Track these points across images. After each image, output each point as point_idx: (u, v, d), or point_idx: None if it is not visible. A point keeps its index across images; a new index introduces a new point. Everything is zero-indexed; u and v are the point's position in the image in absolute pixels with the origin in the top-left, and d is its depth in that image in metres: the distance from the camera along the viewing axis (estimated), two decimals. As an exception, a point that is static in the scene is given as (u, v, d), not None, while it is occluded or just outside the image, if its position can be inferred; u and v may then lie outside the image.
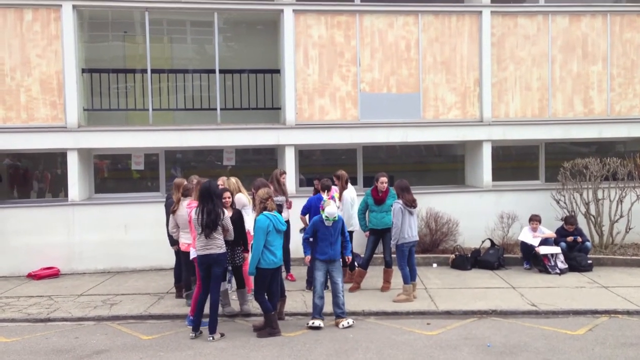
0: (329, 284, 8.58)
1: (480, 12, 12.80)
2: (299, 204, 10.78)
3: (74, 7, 11.70)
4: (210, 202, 7.70)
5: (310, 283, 9.94)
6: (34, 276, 11.30)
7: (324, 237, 8.22)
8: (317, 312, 8.22)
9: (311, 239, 8.33)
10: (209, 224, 7.65)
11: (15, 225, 11.55)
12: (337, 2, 12.64)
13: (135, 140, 12.14)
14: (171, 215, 8.96)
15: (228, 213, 8.17)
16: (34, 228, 11.52)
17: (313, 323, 8.13)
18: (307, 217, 9.97)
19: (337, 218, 8.18)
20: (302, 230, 8.65)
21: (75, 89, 11.76)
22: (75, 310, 9.12)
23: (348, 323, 8.16)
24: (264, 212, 7.77)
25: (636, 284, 10.12)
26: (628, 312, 8.62)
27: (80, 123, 11.95)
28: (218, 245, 7.77)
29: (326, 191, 9.40)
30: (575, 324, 8.18)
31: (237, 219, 8.34)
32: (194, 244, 8.04)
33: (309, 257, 8.40)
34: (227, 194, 8.44)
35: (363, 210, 10.00)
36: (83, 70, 12.25)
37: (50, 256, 11.54)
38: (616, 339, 7.56)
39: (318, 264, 8.25)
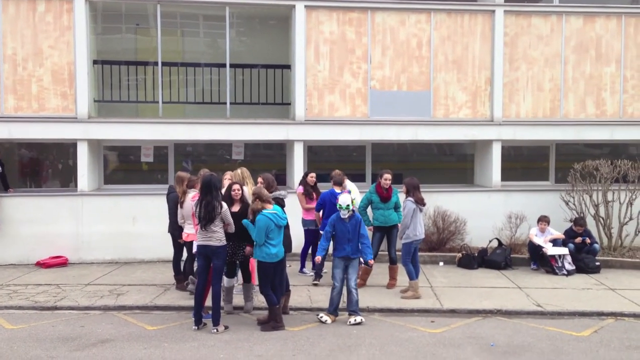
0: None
1: (494, 11, 12.73)
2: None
3: (86, -2, 11.78)
4: (209, 195, 7.75)
5: (317, 276, 10.01)
6: (42, 264, 11.40)
7: (341, 234, 8.29)
8: (333, 307, 8.27)
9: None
10: (205, 216, 7.71)
11: (25, 214, 11.64)
12: (349, -2, 12.63)
13: (145, 132, 12.20)
14: (178, 207, 9.04)
15: (235, 207, 8.17)
16: (43, 217, 11.61)
17: (321, 317, 8.19)
18: (321, 212, 10.07)
19: (349, 207, 8.21)
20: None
21: (86, 80, 11.82)
22: (82, 299, 9.18)
23: (355, 320, 8.10)
24: (264, 212, 7.78)
25: (644, 287, 10.06)
26: (635, 315, 8.57)
27: (91, 114, 12.01)
28: (217, 237, 7.80)
29: (340, 185, 9.58)
30: (580, 326, 8.13)
31: (244, 213, 8.23)
32: (196, 237, 8.08)
33: (319, 258, 8.66)
34: (236, 187, 8.36)
35: (364, 206, 9.98)
36: (94, 62, 12.31)
37: (59, 245, 11.63)
38: (621, 342, 7.51)
39: (337, 261, 8.31)
